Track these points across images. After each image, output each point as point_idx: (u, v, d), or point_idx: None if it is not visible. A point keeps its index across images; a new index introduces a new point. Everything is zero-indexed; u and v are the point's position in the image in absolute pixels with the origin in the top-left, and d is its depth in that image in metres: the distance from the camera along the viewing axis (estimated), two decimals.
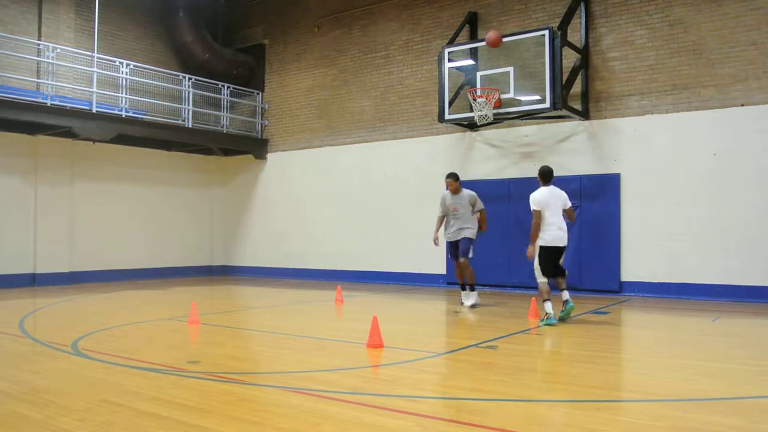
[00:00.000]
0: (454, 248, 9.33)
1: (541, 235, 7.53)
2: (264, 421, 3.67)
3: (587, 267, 11.25)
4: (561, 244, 7.58)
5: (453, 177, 9.32)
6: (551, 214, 7.53)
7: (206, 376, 4.80)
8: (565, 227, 7.61)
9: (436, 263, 13.05)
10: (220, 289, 12.75)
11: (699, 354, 5.89)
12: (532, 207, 7.56)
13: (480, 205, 9.28)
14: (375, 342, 5.88)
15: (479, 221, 9.28)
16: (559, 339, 6.69)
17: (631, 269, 10.97)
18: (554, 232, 7.49)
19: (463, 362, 5.48)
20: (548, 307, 7.43)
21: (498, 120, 11.52)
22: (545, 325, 7.31)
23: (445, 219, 9.38)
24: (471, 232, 9.17)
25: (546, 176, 7.77)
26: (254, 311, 9.75)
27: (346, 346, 6.34)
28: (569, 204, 7.76)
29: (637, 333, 7.56)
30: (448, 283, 12.80)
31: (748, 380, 4.79)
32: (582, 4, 11.45)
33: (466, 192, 9.29)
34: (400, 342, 6.26)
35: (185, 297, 10.67)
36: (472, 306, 9.23)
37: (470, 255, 9.14)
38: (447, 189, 9.38)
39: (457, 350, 6.07)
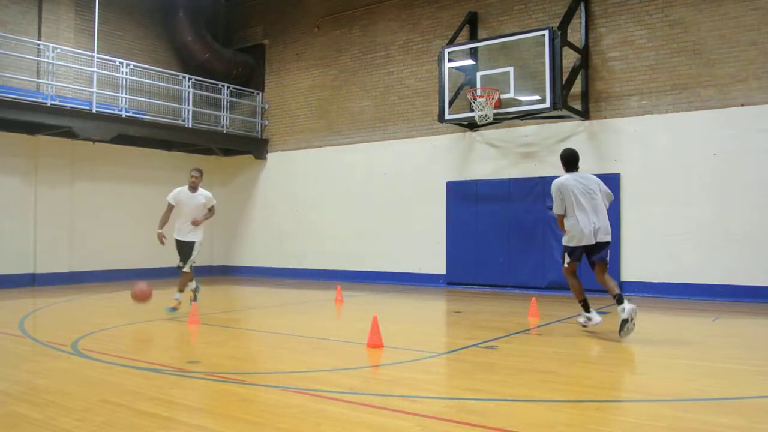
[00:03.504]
0: None
1: None
2: (264, 421, 3.67)
3: (587, 267, 11.21)
4: None
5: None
6: None
7: (206, 376, 4.80)
8: None
9: (437, 263, 13.05)
10: (220, 289, 12.74)
11: (699, 354, 5.89)
12: None
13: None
14: (375, 342, 5.87)
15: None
16: (559, 339, 6.68)
17: (631, 269, 10.97)
18: None
19: (463, 362, 5.48)
20: (178, 296, 8.75)
21: (498, 120, 11.52)
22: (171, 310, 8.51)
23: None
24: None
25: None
26: (254, 311, 9.75)
27: (346, 346, 6.34)
28: None
29: (637, 333, 7.55)
30: (448, 283, 12.81)
31: (748, 380, 4.78)
32: (582, 4, 11.45)
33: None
34: (400, 342, 6.26)
35: (185, 297, 10.65)
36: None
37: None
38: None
39: (457, 350, 6.07)
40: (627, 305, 6.24)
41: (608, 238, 6.58)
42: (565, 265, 6.82)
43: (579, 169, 6.85)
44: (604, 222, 6.58)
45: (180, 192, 8.66)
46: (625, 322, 6.25)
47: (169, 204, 8.63)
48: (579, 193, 6.57)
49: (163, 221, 8.53)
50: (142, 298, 7.78)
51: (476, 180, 12.61)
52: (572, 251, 6.69)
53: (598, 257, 6.61)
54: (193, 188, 8.66)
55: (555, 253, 11.47)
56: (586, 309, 6.91)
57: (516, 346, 6.26)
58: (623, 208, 11.05)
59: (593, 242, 6.53)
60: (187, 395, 4.26)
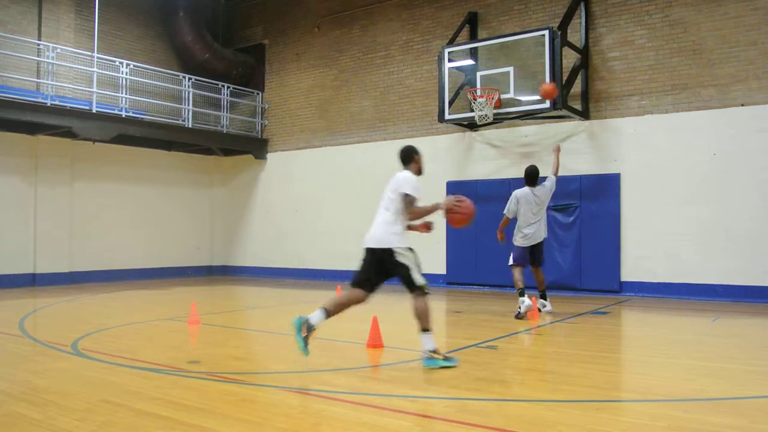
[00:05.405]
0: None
1: None
2: (264, 421, 3.67)
3: (587, 267, 11.24)
4: None
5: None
6: None
7: (206, 376, 4.80)
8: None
9: (437, 263, 13.03)
10: (220, 289, 12.74)
11: (699, 354, 5.89)
12: None
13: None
14: (375, 342, 5.88)
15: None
16: (559, 339, 6.69)
17: (631, 269, 10.97)
18: None
19: (463, 362, 5.48)
20: None
21: (498, 120, 11.52)
22: None
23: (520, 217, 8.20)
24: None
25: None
26: (254, 311, 9.75)
27: (346, 346, 6.34)
28: None
29: (637, 333, 7.56)
30: (448, 283, 12.80)
31: (748, 380, 4.78)
32: (582, 4, 11.44)
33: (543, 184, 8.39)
34: (400, 342, 6.26)
35: (185, 297, 10.66)
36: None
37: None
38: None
39: (457, 350, 6.06)
40: (549, 305, 8.35)
41: (544, 237, 8.31)
42: (511, 263, 8.27)
43: (537, 184, 8.25)
44: (543, 226, 8.27)
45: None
46: (539, 311, 8.25)
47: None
48: (529, 208, 8.12)
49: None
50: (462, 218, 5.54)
51: (476, 180, 12.60)
52: (520, 254, 8.20)
53: (537, 262, 8.32)
54: None
55: (554, 254, 11.48)
56: (522, 295, 7.97)
57: (516, 346, 6.26)
58: (623, 208, 11.05)
59: (535, 243, 8.17)
60: (187, 395, 4.26)
